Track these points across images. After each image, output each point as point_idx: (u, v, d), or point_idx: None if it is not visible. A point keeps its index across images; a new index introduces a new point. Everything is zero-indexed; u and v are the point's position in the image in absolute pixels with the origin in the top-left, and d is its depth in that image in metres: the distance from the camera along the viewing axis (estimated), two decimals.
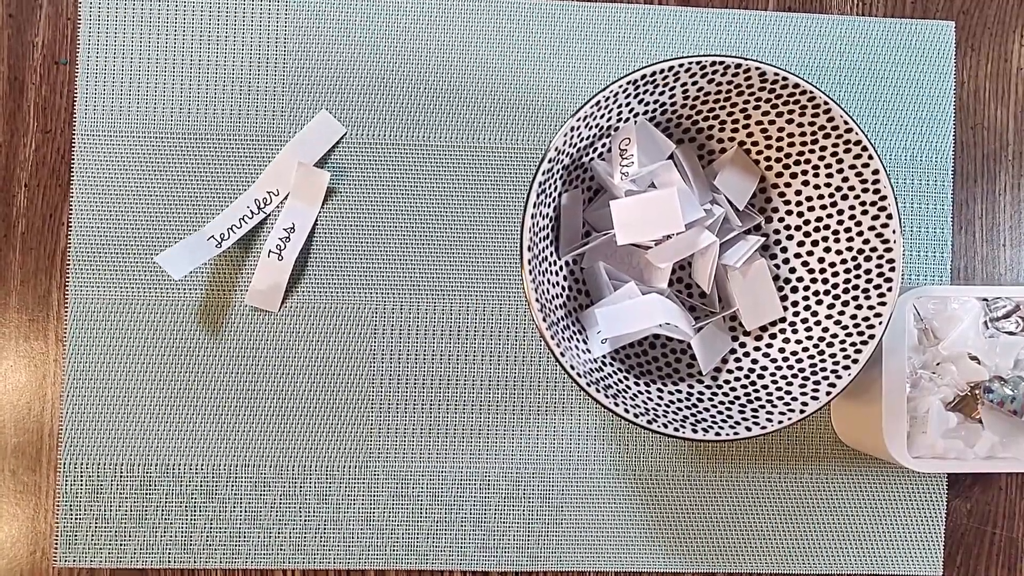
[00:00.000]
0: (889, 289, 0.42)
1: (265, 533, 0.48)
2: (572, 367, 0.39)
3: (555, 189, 0.43)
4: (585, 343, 0.44)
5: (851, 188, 0.43)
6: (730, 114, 0.44)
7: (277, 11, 0.49)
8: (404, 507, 0.48)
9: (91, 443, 0.47)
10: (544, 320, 0.39)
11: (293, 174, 0.48)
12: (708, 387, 0.45)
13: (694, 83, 0.42)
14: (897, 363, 0.44)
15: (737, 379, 0.45)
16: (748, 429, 0.41)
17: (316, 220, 0.48)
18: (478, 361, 0.49)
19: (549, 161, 0.40)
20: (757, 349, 0.46)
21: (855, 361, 0.41)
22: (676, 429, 0.40)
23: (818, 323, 0.44)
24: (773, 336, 0.46)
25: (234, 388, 0.48)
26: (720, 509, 0.49)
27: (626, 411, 0.39)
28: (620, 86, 0.40)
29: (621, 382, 0.43)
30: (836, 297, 0.44)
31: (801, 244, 0.46)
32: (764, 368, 0.45)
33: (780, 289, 0.46)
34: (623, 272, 0.46)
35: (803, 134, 0.43)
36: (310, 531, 0.48)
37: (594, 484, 0.49)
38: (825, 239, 0.45)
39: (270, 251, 0.48)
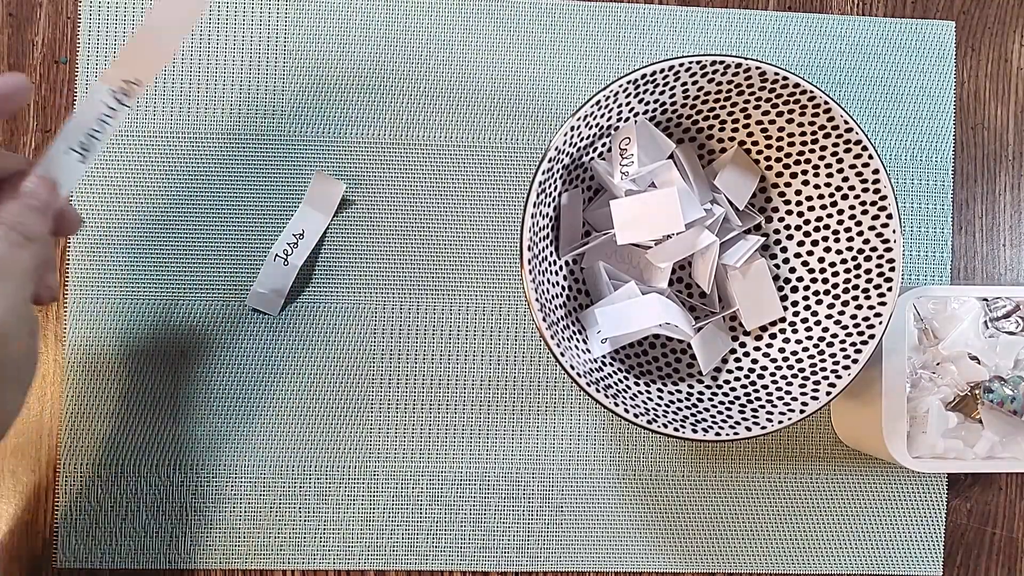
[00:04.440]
0: (889, 289, 0.42)
1: (265, 533, 0.48)
2: (572, 367, 0.39)
3: (555, 189, 0.43)
4: (585, 343, 0.44)
5: (851, 188, 0.43)
6: (730, 114, 0.44)
7: (279, 12, 0.49)
8: (404, 507, 0.48)
9: (90, 443, 0.47)
10: (544, 320, 0.39)
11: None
12: (708, 387, 0.45)
13: (694, 83, 0.42)
14: (897, 363, 0.44)
15: (737, 379, 0.45)
16: (748, 429, 0.41)
17: (327, 229, 0.48)
18: (478, 361, 0.49)
19: (549, 161, 0.40)
20: (757, 349, 0.46)
21: (855, 361, 0.41)
22: (676, 429, 0.40)
23: (818, 323, 0.44)
24: (773, 336, 0.46)
25: (234, 388, 0.48)
26: (720, 509, 0.49)
27: (626, 411, 0.39)
28: (620, 85, 0.40)
29: (621, 382, 0.43)
30: (836, 297, 0.44)
31: (801, 244, 0.46)
32: (764, 368, 0.45)
33: (780, 289, 0.46)
34: (623, 272, 0.46)
35: (803, 134, 0.43)
36: (310, 531, 0.48)
37: (594, 484, 0.49)
38: (825, 239, 0.45)
39: (276, 255, 0.48)
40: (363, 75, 0.49)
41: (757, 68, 0.40)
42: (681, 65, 0.40)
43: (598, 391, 0.39)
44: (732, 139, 0.46)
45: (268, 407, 0.48)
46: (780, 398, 0.43)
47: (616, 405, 0.39)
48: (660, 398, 0.43)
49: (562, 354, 0.39)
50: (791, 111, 0.43)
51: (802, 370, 0.43)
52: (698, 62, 0.40)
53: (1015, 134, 0.52)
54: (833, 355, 0.43)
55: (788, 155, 0.45)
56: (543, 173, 0.40)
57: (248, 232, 0.48)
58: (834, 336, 0.43)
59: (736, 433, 0.40)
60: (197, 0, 0.38)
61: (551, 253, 0.44)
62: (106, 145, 0.42)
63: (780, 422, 0.41)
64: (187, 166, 0.48)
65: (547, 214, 0.42)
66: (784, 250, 0.47)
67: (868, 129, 0.51)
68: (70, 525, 0.47)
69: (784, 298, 0.46)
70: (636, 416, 0.40)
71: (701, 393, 0.44)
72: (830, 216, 0.45)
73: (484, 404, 0.49)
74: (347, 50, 0.49)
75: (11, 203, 0.34)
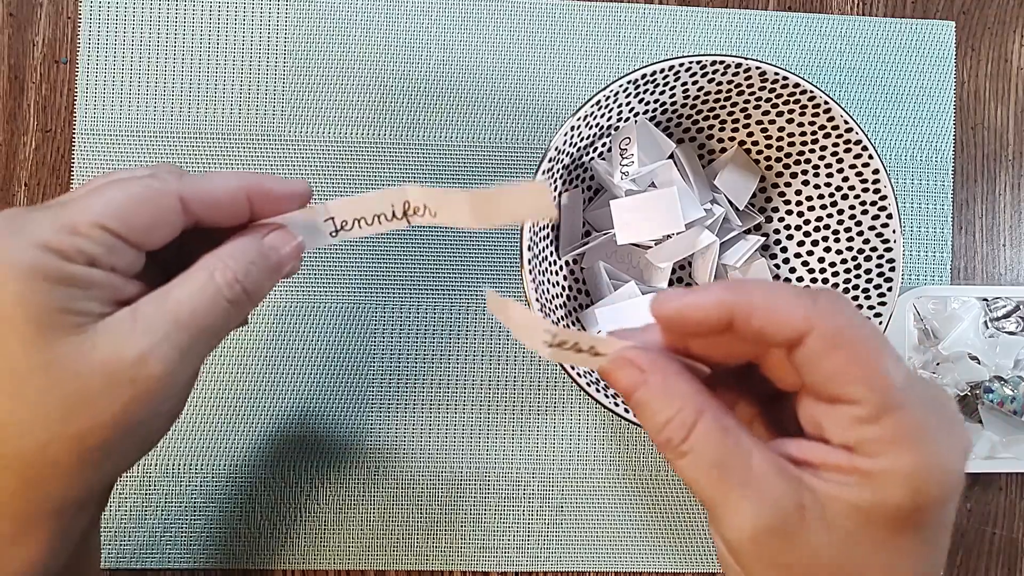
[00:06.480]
0: (889, 289, 0.42)
1: (265, 533, 0.48)
2: (572, 367, 0.39)
3: (555, 189, 0.43)
4: None
5: (851, 188, 0.43)
6: (730, 113, 0.44)
7: (277, 11, 0.49)
8: (404, 507, 0.48)
9: None
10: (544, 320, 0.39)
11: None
12: None
13: (694, 83, 0.42)
14: None
15: None
16: None
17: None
18: (478, 361, 0.49)
19: (549, 161, 0.40)
20: None
21: None
22: None
23: None
24: None
25: (233, 388, 0.48)
26: None
27: (626, 411, 0.39)
28: (620, 85, 0.40)
29: None
30: None
31: (801, 244, 0.46)
32: None
33: None
34: (623, 272, 0.46)
35: (803, 134, 0.43)
36: (310, 531, 0.48)
37: (594, 484, 0.49)
38: (825, 239, 0.45)
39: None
40: (363, 75, 0.49)
41: (757, 68, 0.40)
42: (681, 65, 0.40)
43: (598, 391, 0.39)
44: (732, 139, 0.46)
45: (268, 407, 0.48)
46: None
47: (616, 405, 0.39)
48: None
49: None
50: (791, 111, 0.43)
51: None
52: (698, 62, 0.40)
53: (1015, 134, 0.52)
54: None
55: (788, 155, 0.45)
56: (543, 173, 0.40)
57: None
58: None
59: None
60: (546, 206, 0.29)
61: (551, 253, 0.44)
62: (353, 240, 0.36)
63: None
64: (187, 166, 0.48)
65: None
66: (784, 250, 0.47)
67: (868, 129, 0.51)
68: None
69: None
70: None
71: None
72: (830, 216, 0.45)
73: (484, 404, 0.49)
74: (347, 50, 0.49)
75: (252, 253, 0.29)
